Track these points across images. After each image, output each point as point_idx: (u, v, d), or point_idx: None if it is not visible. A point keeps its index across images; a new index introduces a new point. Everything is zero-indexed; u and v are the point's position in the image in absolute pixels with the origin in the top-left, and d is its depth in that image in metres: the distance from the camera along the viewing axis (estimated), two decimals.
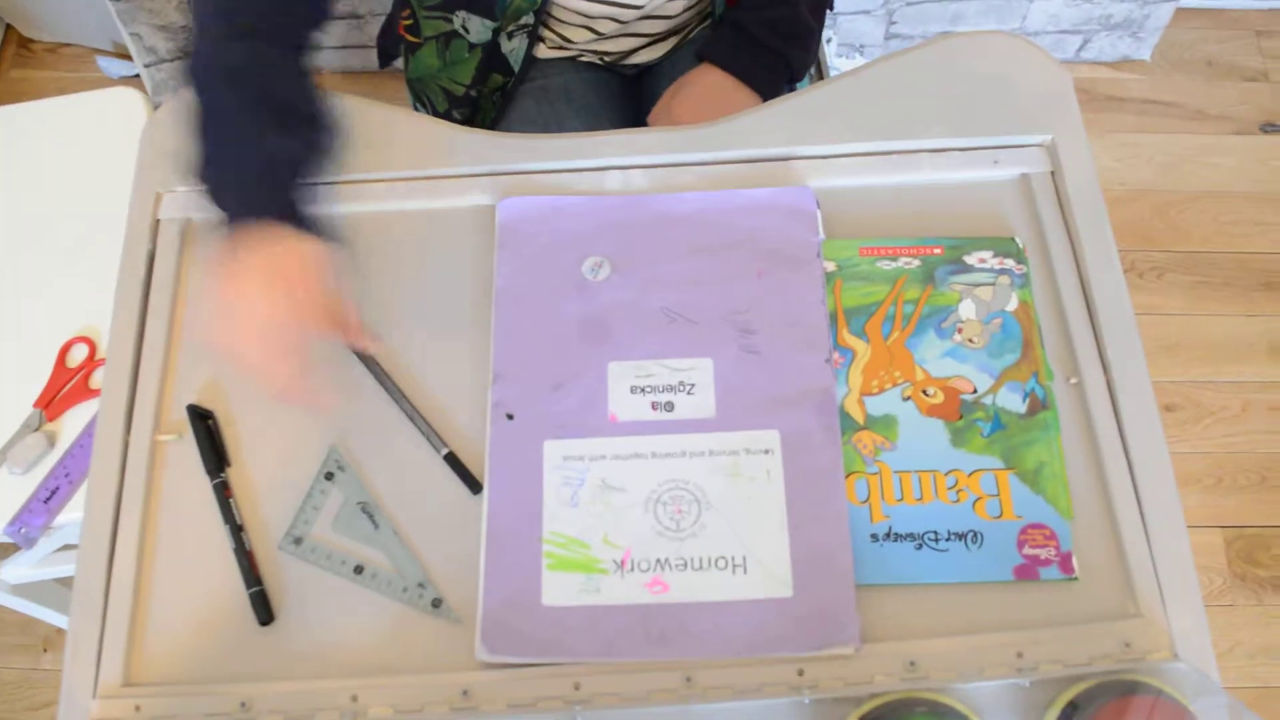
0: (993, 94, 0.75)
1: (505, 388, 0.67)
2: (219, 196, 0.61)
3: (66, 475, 0.81)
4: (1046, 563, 0.62)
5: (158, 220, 0.73)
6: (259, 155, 0.61)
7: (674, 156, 0.73)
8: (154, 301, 0.71)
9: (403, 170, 0.74)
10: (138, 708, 0.60)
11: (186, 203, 0.74)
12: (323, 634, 0.62)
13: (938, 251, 0.70)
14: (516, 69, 0.93)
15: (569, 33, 0.95)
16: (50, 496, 0.80)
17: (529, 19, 0.91)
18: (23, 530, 0.79)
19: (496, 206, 0.72)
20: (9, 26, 1.64)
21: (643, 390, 0.66)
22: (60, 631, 1.26)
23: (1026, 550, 0.62)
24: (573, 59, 1.00)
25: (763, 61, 0.89)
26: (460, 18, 0.93)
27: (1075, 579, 0.61)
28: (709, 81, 0.89)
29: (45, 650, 1.26)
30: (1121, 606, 0.61)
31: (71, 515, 0.82)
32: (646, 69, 1.03)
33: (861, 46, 1.59)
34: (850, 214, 0.72)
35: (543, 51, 0.99)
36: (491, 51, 0.93)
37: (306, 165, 0.63)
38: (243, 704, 0.60)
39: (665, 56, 1.01)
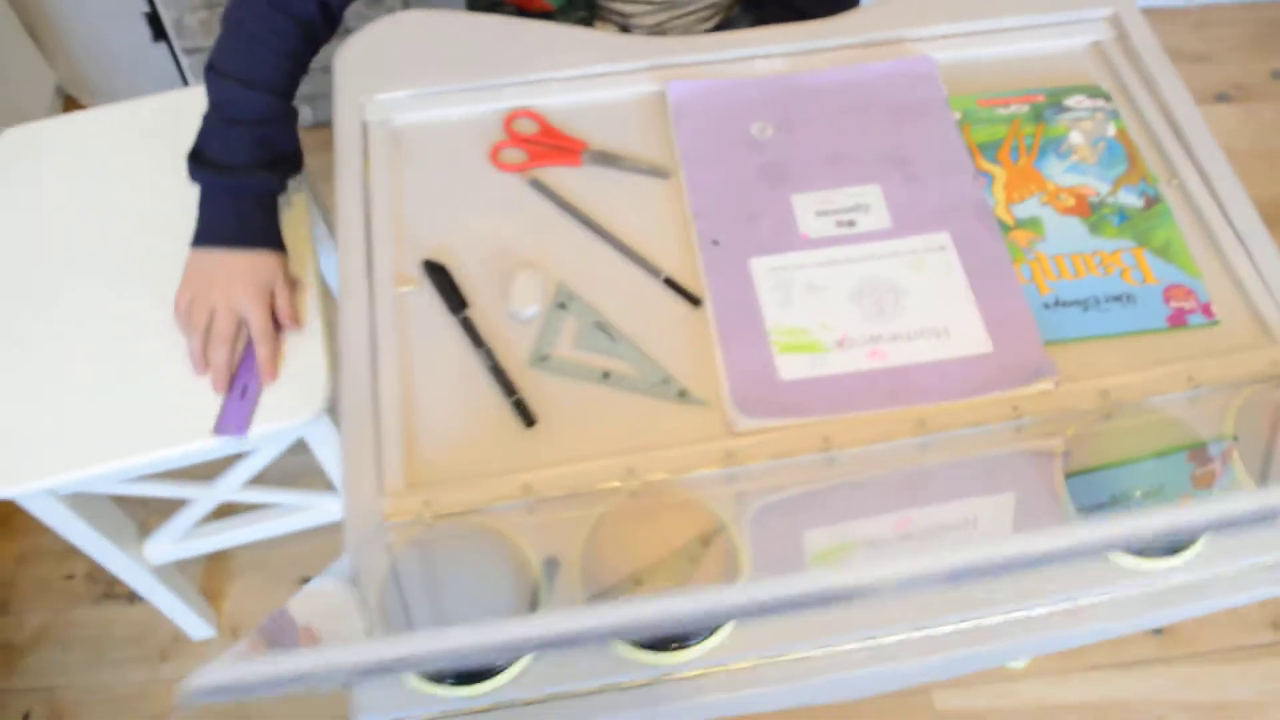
0: None
1: (706, 221, 0.77)
2: (209, 209, 0.87)
3: (252, 372, 0.85)
4: (1191, 311, 0.73)
5: (365, 122, 0.82)
6: (249, 187, 0.87)
7: (806, 45, 0.86)
8: (374, 184, 0.78)
9: (577, 69, 0.84)
10: (426, 502, 0.65)
11: (389, 106, 0.83)
12: (584, 428, 0.69)
13: (1040, 99, 0.84)
14: None
15: (635, 20, 1.07)
16: (244, 393, 0.85)
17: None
18: (232, 427, 0.83)
19: (667, 88, 0.83)
20: (68, 98, 1.70)
21: (826, 213, 0.77)
22: (178, 639, 1.25)
23: (1173, 303, 0.73)
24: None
25: None
26: None
27: (1217, 322, 0.73)
28: None
29: (164, 659, 1.24)
30: (1257, 339, 0.72)
31: (262, 428, 0.86)
32: None
33: None
34: (958, 83, 0.85)
35: (600, 28, 1.12)
36: None
37: (276, 195, 0.90)
38: (525, 486, 0.66)
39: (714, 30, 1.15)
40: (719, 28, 1.10)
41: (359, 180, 0.79)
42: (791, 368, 0.70)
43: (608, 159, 0.81)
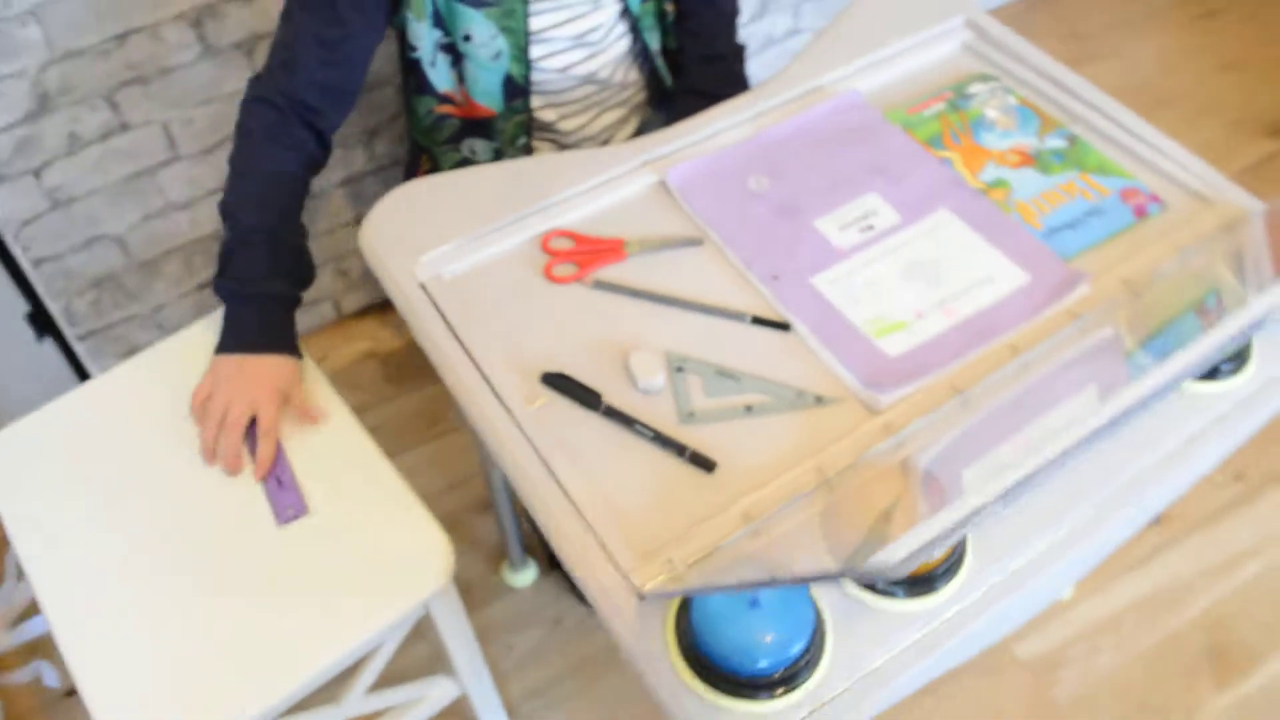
0: (915, 8, 1.10)
1: (758, 265, 0.87)
2: (232, 318, 0.96)
3: (279, 464, 0.94)
4: (1147, 203, 0.90)
5: (421, 283, 0.87)
6: (266, 296, 0.96)
7: (753, 110, 1.00)
8: (460, 331, 0.84)
9: (583, 184, 0.94)
10: (670, 560, 0.70)
11: (436, 262, 0.89)
12: (758, 455, 0.76)
13: (949, 95, 1.02)
14: None
15: (558, 125, 1.20)
16: (280, 483, 0.92)
17: (523, 139, 1.17)
18: (291, 510, 0.90)
19: (667, 175, 0.94)
20: None
21: (847, 226, 0.90)
22: None
23: (1131, 202, 0.91)
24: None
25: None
26: (468, 145, 1.17)
27: (1167, 206, 0.91)
28: None
29: None
30: (1198, 207, 0.90)
31: (390, 613, 0.87)
32: None
33: None
34: (883, 103, 1.02)
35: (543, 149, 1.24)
36: None
37: (294, 304, 0.99)
38: (745, 514, 0.72)
39: (638, 131, 1.28)
40: (640, 127, 1.24)
41: (446, 333, 0.84)
42: (894, 345, 0.81)
43: (647, 245, 0.90)
